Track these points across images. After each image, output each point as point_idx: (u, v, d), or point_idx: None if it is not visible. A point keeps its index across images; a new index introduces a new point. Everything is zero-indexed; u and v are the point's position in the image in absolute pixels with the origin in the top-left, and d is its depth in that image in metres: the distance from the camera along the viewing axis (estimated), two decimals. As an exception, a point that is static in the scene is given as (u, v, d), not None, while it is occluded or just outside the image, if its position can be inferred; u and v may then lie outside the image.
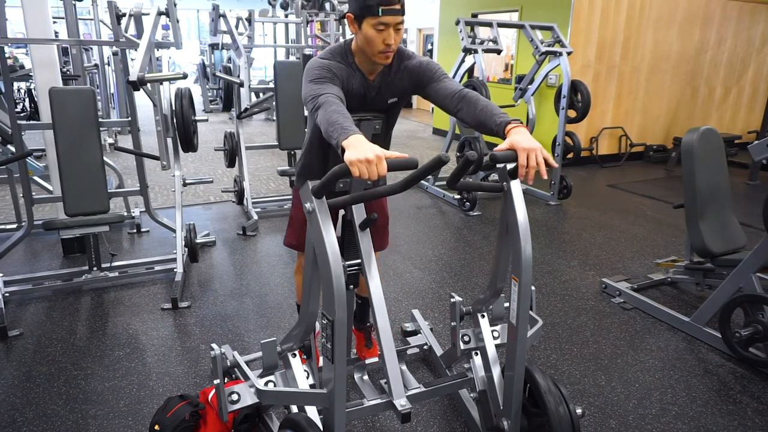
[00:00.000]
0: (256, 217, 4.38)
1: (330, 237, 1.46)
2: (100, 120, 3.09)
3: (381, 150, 1.33)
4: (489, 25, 5.18)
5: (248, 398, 1.71)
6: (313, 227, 1.51)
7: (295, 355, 1.85)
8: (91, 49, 8.79)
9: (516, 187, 1.63)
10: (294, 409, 1.93)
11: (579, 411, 1.71)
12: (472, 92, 1.71)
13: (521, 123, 1.56)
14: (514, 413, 1.76)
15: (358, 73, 1.78)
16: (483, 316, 1.99)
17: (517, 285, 1.66)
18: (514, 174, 1.61)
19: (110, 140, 5.17)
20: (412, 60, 1.83)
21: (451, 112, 1.75)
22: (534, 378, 1.75)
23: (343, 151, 1.35)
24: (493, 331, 1.98)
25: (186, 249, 3.46)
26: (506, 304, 1.90)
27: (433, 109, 11.45)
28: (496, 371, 1.89)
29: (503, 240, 1.78)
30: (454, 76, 5.20)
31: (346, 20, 1.76)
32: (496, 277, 1.91)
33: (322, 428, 1.60)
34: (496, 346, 1.95)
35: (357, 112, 1.79)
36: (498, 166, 1.59)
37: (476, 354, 2.02)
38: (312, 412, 1.80)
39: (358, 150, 1.31)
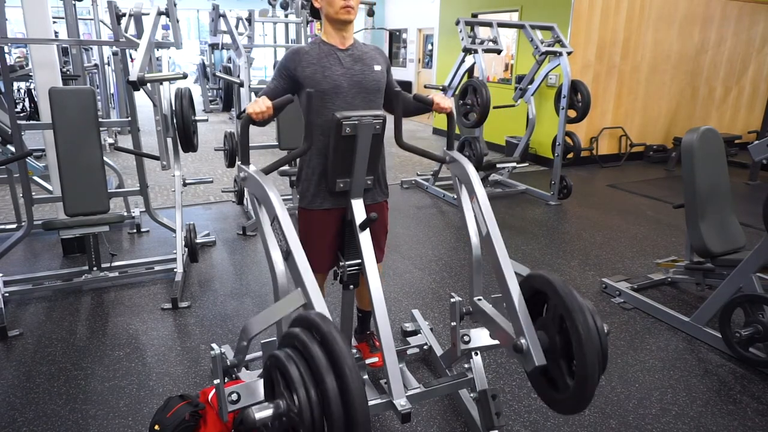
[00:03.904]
0: (254, 218, 4.37)
1: (256, 169, 1.77)
2: (100, 120, 3.09)
3: (265, 97, 1.81)
4: (489, 25, 5.18)
5: (248, 398, 1.71)
6: (252, 185, 1.78)
7: None
8: (91, 49, 8.78)
9: (456, 154, 2.01)
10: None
11: (606, 328, 1.50)
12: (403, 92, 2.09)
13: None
14: (523, 318, 1.60)
15: (326, 46, 1.97)
16: (480, 300, 1.95)
17: (476, 201, 1.86)
18: (450, 145, 2.06)
19: (110, 140, 5.17)
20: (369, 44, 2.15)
21: (388, 99, 2.12)
22: (555, 288, 1.52)
23: (249, 117, 1.78)
24: None
25: (186, 249, 3.46)
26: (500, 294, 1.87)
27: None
28: (500, 319, 1.79)
29: (464, 206, 1.96)
30: (454, 76, 5.21)
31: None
32: (471, 247, 1.95)
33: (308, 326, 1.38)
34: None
35: (346, 92, 1.93)
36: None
37: (476, 354, 2.02)
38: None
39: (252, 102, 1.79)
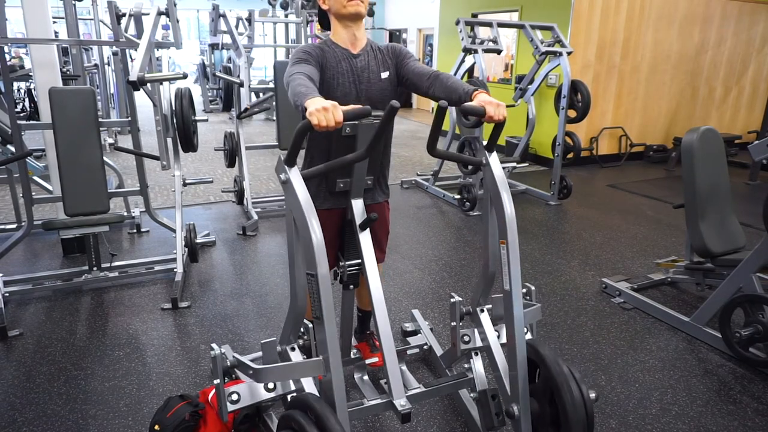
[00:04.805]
0: (256, 217, 4.38)
1: (305, 196, 1.53)
2: (100, 120, 3.09)
3: (336, 103, 1.45)
4: (489, 25, 5.18)
5: (248, 398, 1.71)
6: (290, 195, 1.56)
7: (294, 349, 1.84)
8: (91, 49, 8.79)
9: (494, 159, 1.78)
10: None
11: (593, 395, 1.66)
12: (444, 73, 1.87)
13: (486, 92, 1.73)
14: (521, 389, 1.70)
15: (339, 49, 1.89)
16: (482, 311, 1.98)
17: (505, 247, 1.73)
18: (491, 148, 1.79)
19: (110, 140, 5.18)
20: (383, 43, 2.01)
21: (423, 89, 1.89)
22: (545, 361, 1.68)
23: (310, 125, 1.45)
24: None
25: (186, 249, 3.46)
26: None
27: (433, 108, 11.45)
28: (500, 360, 1.87)
29: (489, 219, 1.85)
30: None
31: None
32: (487, 262, 1.92)
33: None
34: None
35: (354, 100, 1.86)
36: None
37: (476, 354, 2.02)
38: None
39: (317, 102, 1.44)
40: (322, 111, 1.40)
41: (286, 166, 1.55)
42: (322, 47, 1.87)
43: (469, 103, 1.69)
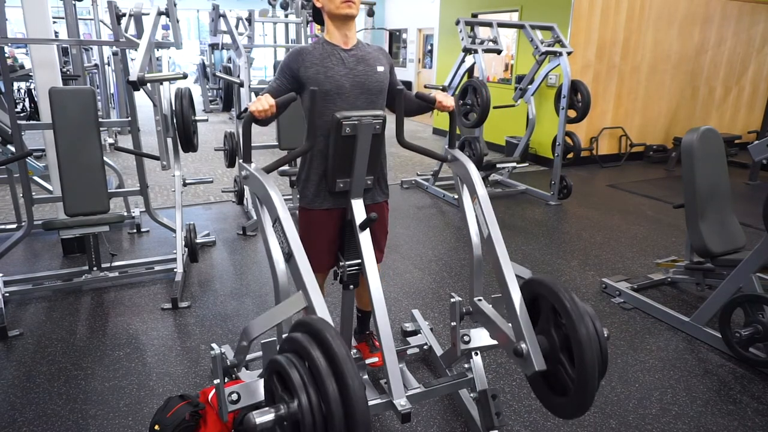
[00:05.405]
0: (256, 217, 4.37)
1: (258, 169, 1.77)
2: (100, 120, 3.09)
3: (269, 95, 1.79)
4: (489, 25, 5.18)
5: (248, 398, 1.71)
6: (254, 184, 1.77)
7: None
8: (91, 49, 8.78)
9: (457, 152, 2.03)
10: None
11: (606, 333, 1.52)
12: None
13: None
14: (523, 322, 1.59)
15: (329, 46, 1.95)
16: (480, 300, 1.97)
17: (477, 202, 1.86)
18: (452, 144, 2.07)
19: (110, 140, 5.19)
20: (373, 45, 2.13)
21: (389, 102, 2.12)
22: (557, 295, 1.53)
23: (252, 115, 1.75)
24: None
25: (186, 249, 3.46)
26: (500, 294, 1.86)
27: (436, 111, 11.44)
28: (499, 320, 1.80)
29: (465, 206, 1.96)
30: (454, 77, 5.21)
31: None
32: (472, 249, 1.95)
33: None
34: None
35: (348, 92, 1.92)
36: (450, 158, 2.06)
37: (476, 354, 2.02)
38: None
39: (254, 100, 1.77)
40: (257, 101, 1.74)
41: (244, 164, 1.80)
42: (304, 49, 1.95)
43: (423, 93, 2.06)
